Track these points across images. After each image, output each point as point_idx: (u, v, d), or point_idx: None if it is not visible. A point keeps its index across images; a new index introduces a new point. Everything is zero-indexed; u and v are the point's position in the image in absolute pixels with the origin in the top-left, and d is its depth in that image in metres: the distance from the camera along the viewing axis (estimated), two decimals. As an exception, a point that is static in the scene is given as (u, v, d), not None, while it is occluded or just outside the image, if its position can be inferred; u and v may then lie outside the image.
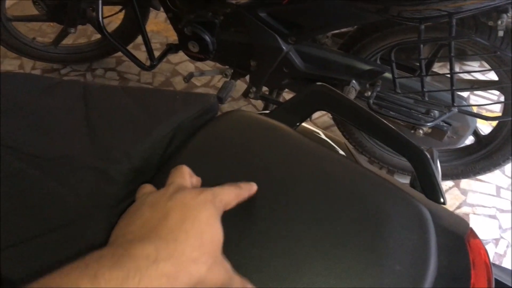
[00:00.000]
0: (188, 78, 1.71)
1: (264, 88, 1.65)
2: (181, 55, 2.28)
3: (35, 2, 1.80)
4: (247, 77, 1.63)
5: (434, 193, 0.56)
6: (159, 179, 0.58)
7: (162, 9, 1.71)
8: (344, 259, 0.44)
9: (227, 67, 1.68)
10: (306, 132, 0.62)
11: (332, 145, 0.58)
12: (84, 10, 1.83)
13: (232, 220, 0.44)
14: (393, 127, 0.61)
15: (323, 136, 0.61)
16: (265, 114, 0.64)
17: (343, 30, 1.58)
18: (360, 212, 0.47)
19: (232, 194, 0.44)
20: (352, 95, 1.36)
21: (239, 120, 0.60)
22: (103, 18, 1.56)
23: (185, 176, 0.46)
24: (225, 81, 1.65)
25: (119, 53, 2.22)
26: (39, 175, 0.57)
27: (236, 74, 1.68)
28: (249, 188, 0.48)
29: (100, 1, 1.52)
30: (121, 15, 1.99)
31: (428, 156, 0.57)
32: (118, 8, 1.95)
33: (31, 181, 0.57)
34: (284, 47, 1.44)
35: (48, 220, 0.54)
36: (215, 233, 0.38)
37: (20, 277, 0.51)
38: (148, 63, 1.76)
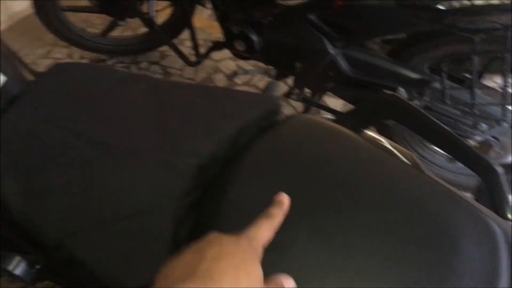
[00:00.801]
0: (232, 76, 1.73)
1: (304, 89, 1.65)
2: (223, 52, 2.30)
3: (88, -6, 1.86)
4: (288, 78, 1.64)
5: (503, 210, 0.56)
6: (224, 176, 0.59)
7: (206, 6, 1.74)
8: (413, 271, 0.44)
9: (271, 67, 1.69)
10: (370, 140, 0.62)
11: (398, 155, 0.58)
12: (135, 3, 1.87)
13: (296, 225, 0.45)
14: (464, 142, 0.60)
15: (387, 145, 0.61)
16: (331, 120, 0.64)
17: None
18: (430, 225, 0.47)
19: (267, 231, 0.46)
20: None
21: (305, 125, 0.61)
22: (155, 13, 1.59)
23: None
24: (269, 81, 1.66)
25: (163, 48, 2.26)
26: (112, 164, 0.59)
27: (279, 75, 1.68)
28: (282, 211, 0.49)
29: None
30: (167, 11, 2.03)
31: (500, 172, 0.57)
32: (165, 3, 1.99)
33: (105, 170, 0.59)
34: (331, 51, 1.43)
35: (120, 208, 0.56)
36: (252, 273, 0.40)
37: (91, 260, 0.54)
38: (193, 58, 1.79)
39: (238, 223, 0.51)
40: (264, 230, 0.46)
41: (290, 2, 1.43)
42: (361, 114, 0.64)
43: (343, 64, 1.45)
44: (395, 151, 0.59)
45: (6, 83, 0.69)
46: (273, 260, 0.46)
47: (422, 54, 1.41)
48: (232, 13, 1.62)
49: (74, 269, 0.59)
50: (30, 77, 0.75)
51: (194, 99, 0.66)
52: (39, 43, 2.27)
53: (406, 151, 0.61)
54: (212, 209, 0.56)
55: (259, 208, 0.51)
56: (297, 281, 0.44)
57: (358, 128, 0.61)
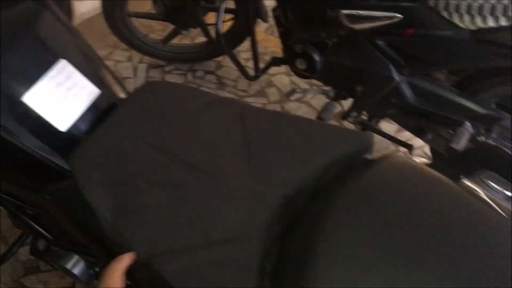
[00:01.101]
0: (289, 94, 1.73)
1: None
2: (277, 67, 2.31)
3: (155, 2, 1.90)
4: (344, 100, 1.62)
5: None
6: (311, 210, 0.59)
7: (264, 21, 1.75)
8: None
9: (329, 88, 1.68)
10: (467, 189, 0.60)
11: (495, 208, 0.56)
12: (199, 14, 1.91)
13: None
14: None
15: (485, 197, 0.59)
16: (427, 164, 0.62)
17: (459, 67, 1.53)
18: None
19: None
20: (465, 138, 1.31)
21: (401, 167, 0.59)
22: (222, 25, 1.61)
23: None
24: (327, 102, 1.65)
25: (219, 58, 2.30)
26: (201, 187, 0.60)
27: (338, 96, 1.67)
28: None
29: (222, 9, 1.57)
30: (228, 23, 2.06)
31: None
32: (227, 16, 2.02)
33: (194, 192, 0.60)
34: (396, 77, 1.41)
35: (209, 233, 0.57)
36: None
37: (177, 283, 0.54)
38: (251, 72, 1.80)
39: (324, 261, 0.51)
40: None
41: (358, 26, 1.42)
42: (459, 161, 0.62)
43: (407, 92, 1.43)
44: (493, 204, 0.57)
45: (99, 96, 0.71)
46: None
47: (491, 89, 1.37)
48: (296, 31, 1.62)
49: (156, 285, 0.60)
50: (122, 92, 0.77)
51: (283, 128, 0.66)
52: (101, 44, 2.34)
53: (504, 204, 0.58)
54: (297, 244, 0.56)
55: (345, 248, 0.51)
56: None
57: (455, 176, 0.59)
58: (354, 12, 1.37)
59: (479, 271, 0.47)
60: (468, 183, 0.61)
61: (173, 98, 0.72)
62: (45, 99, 0.66)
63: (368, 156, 0.64)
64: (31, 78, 0.65)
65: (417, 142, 1.92)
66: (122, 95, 0.77)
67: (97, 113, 0.71)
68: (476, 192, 0.58)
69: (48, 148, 0.67)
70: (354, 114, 1.61)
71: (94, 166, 0.64)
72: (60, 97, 0.67)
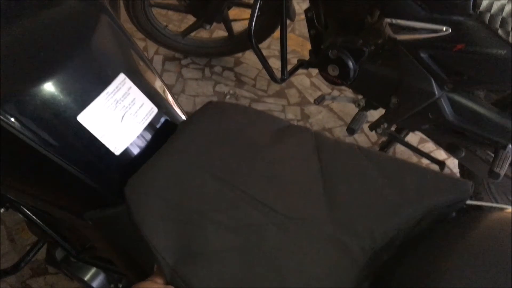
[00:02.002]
0: (319, 100, 1.65)
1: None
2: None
3: (179, -7, 1.81)
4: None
5: None
6: (405, 269, 0.52)
7: (291, 20, 1.66)
8: None
9: (360, 96, 1.61)
10: None
11: None
12: (222, 10, 1.82)
13: None
14: None
15: None
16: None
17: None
18: None
19: None
20: (507, 162, 1.25)
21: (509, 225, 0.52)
22: (254, 24, 1.53)
23: None
24: (358, 112, 1.58)
25: (239, 54, 2.21)
26: (279, 234, 0.53)
27: (368, 106, 1.60)
28: None
29: (256, 7, 1.49)
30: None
31: None
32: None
33: (271, 240, 0.53)
34: (436, 92, 1.34)
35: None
36: None
37: None
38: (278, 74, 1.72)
39: None
40: None
41: (402, 37, 1.34)
42: None
43: (446, 108, 1.36)
44: None
45: (156, 115, 0.63)
46: None
47: (533, 111, 1.31)
48: (329, 35, 1.54)
49: None
50: (179, 112, 0.69)
51: (368, 169, 0.58)
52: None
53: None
54: None
55: None
56: None
57: None
58: (399, 21, 1.30)
59: None
60: None
61: (239, 122, 0.64)
62: (101, 118, 0.58)
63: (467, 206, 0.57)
64: (88, 95, 0.56)
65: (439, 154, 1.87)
66: (180, 114, 0.69)
67: (154, 135, 0.63)
68: None
69: (98, 172, 0.59)
70: (385, 125, 1.54)
71: (153, 198, 0.56)
72: (118, 116, 0.58)
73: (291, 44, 2.35)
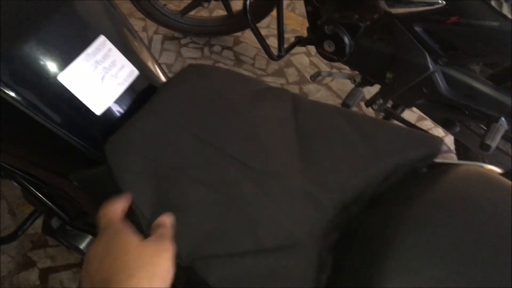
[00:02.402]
0: (314, 77, 1.66)
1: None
2: (297, 47, 2.23)
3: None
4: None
5: None
6: (372, 221, 0.53)
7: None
8: None
9: (356, 72, 1.61)
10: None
11: None
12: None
13: None
14: None
15: None
16: (502, 174, 0.56)
17: (496, 60, 1.46)
18: None
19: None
20: (499, 134, 1.25)
21: (479, 179, 0.53)
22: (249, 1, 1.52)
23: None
24: (354, 88, 1.58)
25: (238, 34, 2.21)
26: (253, 188, 0.54)
27: (364, 82, 1.60)
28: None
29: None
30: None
31: None
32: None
33: (245, 192, 0.54)
34: (431, 67, 1.34)
35: (260, 239, 0.51)
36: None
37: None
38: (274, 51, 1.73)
39: (392, 282, 0.45)
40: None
41: (397, 10, 1.34)
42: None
43: (441, 82, 1.36)
44: None
45: (138, 78, 0.65)
46: None
47: (528, 85, 1.30)
48: (326, 11, 1.54)
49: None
50: (161, 75, 0.70)
51: (343, 127, 0.60)
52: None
53: None
54: (358, 258, 0.50)
55: (422, 275, 0.45)
56: None
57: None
58: (394, -6, 1.29)
59: None
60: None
61: (219, 84, 0.65)
62: (81, 79, 0.59)
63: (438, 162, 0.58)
64: (68, 55, 0.58)
65: (437, 132, 1.87)
66: (161, 77, 0.70)
67: (136, 97, 0.65)
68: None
69: (80, 132, 0.61)
70: (380, 101, 1.55)
71: (133, 156, 0.58)
72: (98, 77, 0.60)
73: (290, 23, 2.35)
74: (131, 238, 0.47)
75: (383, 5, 1.36)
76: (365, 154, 0.57)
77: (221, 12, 2.15)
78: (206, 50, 2.15)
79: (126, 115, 0.63)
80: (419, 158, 0.57)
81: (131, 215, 0.55)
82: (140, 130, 0.60)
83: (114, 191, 0.59)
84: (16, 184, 0.96)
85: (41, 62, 0.56)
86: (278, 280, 0.49)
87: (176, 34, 2.18)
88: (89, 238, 1.05)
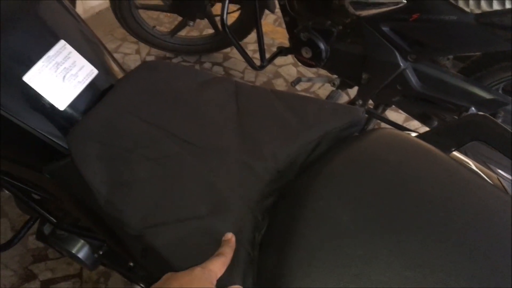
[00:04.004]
0: (295, 82, 1.73)
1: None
2: (285, 58, 2.31)
3: (162, -7, 1.92)
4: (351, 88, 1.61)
5: None
6: (300, 182, 0.59)
7: (274, 12, 1.74)
8: None
9: (335, 76, 1.68)
10: (456, 160, 0.60)
11: (485, 178, 0.56)
12: (205, 5, 1.92)
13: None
14: None
15: (474, 168, 0.58)
16: (416, 136, 0.62)
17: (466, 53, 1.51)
18: None
19: (219, 266, 0.51)
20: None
21: (389, 139, 0.60)
22: (227, 16, 1.61)
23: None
24: (332, 91, 1.64)
25: (227, 49, 2.30)
26: (194, 161, 0.61)
27: (343, 85, 1.67)
28: (231, 249, 0.53)
29: (227, 1, 1.58)
30: (235, 14, 2.06)
31: None
32: (233, 7, 2.02)
33: (187, 167, 0.61)
34: (401, 64, 1.40)
35: (200, 206, 0.57)
36: None
37: (167, 253, 0.55)
38: (257, 63, 1.80)
39: (312, 231, 0.51)
40: (217, 265, 0.51)
41: (363, 13, 1.41)
42: (448, 133, 0.62)
43: (412, 78, 1.42)
44: (482, 174, 0.56)
45: (97, 76, 0.72)
46: (354, 272, 0.46)
47: (497, 75, 1.35)
48: (301, 19, 1.62)
49: (148, 257, 0.61)
50: (119, 73, 0.78)
51: (276, 105, 0.66)
52: (110, 37, 2.36)
53: (493, 174, 0.58)
54: (284, 214, 0.56)
55: (329, 215, 0.51)
56: None
57: (444, 148, 0.59)
58: (358, -2, 1.37)
59: (465, 238, 0.47)
60: (458, 154, 0.60)
61: (170, 77, 0.73)
62: (45, 78, 0.67)
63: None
64: (31, 58, 0.66)
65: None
66: (119, 75, 0.78)
67: (96, 93, 0.72)
68: (465, 163, 0.58)
69: (47, 126, 0.68)
70: (360, 102, 1.61)
71: (90, 143, 0.65)
72: (59, 76, 0.68)
73: (278, 37, 2.44)
74: None
75: (351, 9, 1.43)
76: (295, 126, 0.63)
77: (211, 31, 2.25)
78: (197, 67, 2.24)
79: (86, 109, 0.70)
80: (344, 127, 0.63)
81: (90, 193, 0.62)
82: (97, 120, 0.67)
83: (79, 180, 0.66)
84: (6, 191, 1.03)
85: (6, 65, 0.64)
86: (216, 239, 0.55)
87: (168, 54, 2.28)
88: (80, 243, 1.11)
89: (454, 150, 0.60)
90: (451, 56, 1.47)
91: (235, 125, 0.65)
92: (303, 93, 2.12)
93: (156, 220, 0.58)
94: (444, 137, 0.60)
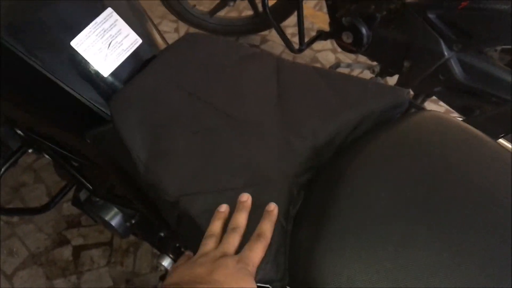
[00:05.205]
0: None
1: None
2: (323, 44, 2.28)
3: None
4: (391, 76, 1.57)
5: None
6: (339, 161, 0.58)
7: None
8: None
9: (375, 63, 1.64)
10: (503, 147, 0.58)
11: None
12: (246, -15, 1.90)
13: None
14: None
15: None
16: (464, 120, 0.60)
17: (515, 46, 1.45)
18: None
19: (259, 252, 0.51)
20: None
21: (434, 120, 0.58)
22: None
23: (237, 241, 0.53)
24: (371, 78, 1.61)
25: (265, 32, 2.29)
26: (233, 134, 0.61)
27: (383, 72, 1.63)
28: (272, 224, 0.53)
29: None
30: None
31: None
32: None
33: (226, 139, 0.61)
34: (446, 53, 1.36)
35: (238, 178, 0.57)
36: None
37: (201, 221, 0.56)
38: (296, 46, 1.79)
39: (349, 208, 0.51)
40: (257, 252, 0.51)
41: (409, -1, 1.37)
42: (497, 121, 0.59)
43: (456, 69, 1.37)
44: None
45: (141, 46, 0.73)
46: (391, 250, 0.45)
47: (548, 70, 1.29)
48: (344, 4, 1.59)
49: (183, 225, 0.62)
50: (162, 44, 0.79)
51: (318, 82, 0.66)
52: (150, 14, 2.38)
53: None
54: (321, 190, 0.56)
55: (369, 197, 0.50)
56: (410, 275, 0.43)
57: (492, 134, 0.57)
58: (406, -17, 1.33)
59: (508, 228, 0.45)
60: (506, 143, 0.58)
61: (212, 50, 0.73)
62: (91, 44, 0.68)
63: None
64: (79, 24, 0.67)
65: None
66: (162, 46, 0.79)
67: (139, 63, 0.73)
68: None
69: (90, 92, 0.70)
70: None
71: (132, 109, 0.66)
72: (105, 43, 0.69)
73: (318, 22, 2.40)
74: None
75: (397, -6, 1.39)
76: (336, 105, 0.62)
77: (250, 12, 2.23)
78: (234, 48, 2.24)
79: (129, 78, 0.71)
80: (387, 108, 0.61)
81: (129, 159, 0.63)
82: (139, 88, 0.68)
83: (120, 146, 0.67)
84: (46, 156, 1.06)
85: (56, 30, 0.65)
86: (252, 209, 0.55)
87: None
88: (113, 211, 1.14)
89: (502, 137, 0.57)
90: (498, 48, 1.41)
91: (276, 101, 0.65)
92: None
93: (193, 188, 0.58)
94: (492, 123, 0.58)
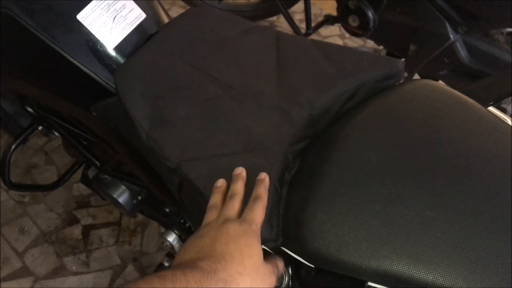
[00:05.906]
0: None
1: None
2: (331, 29, 2.28)
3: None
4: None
5: None
6: (334, 130, 0.60)
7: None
8: None
9: (381, 47, 1.65)
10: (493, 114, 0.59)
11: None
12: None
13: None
14: None
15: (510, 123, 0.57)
16: (455, 88, 0.62)
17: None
18: None
19: (260, 212, 0.52)
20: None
21: (426, 88, 0.60)
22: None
23: (237, 206, 0.54)
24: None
25: (273, 18, 2.29)
26: (233, 104, 0.63)
27: (389, 56, 1.63)
28: (266, 188, 0.54)
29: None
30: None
31: None
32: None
33: (225, 108, 0.63)
34: (451, 36, 1.36)
35: (236, 144, 0.59)
36: (254, 253, 0.49)
37: (201, 184, 0.58)
38: (303, 31, 1.79)
39: (339, 170, 0.52)
40: (258, 212, 0.52)
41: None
42: (487, 88, 0.61)
43: (462, 51, 1.37)
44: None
45: (145, 20, 0.75)
46: (378, 208, 0.47)
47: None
48: (351, -13, 1.59)
49: (184, 191, 0.64)
50: (166, 19, 0.81)
51: (316, 54, 0.67)
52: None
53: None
54: (315, 155, 0.58)
55: (360, 159, 0.52)
56: (402, 241, 0.45)
57: (482, 101, 0.58)
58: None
59: (494, 188, 0.47)
60: (494, 110, 0.60)
61: (214, 23, 0.75)
62: (96, 18, 0.70)
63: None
64: None
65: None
66: (165, 20, 0.81)
67: (142, 36, 0.75)
68: (503, 119, 0.57)
69: (95, 65, 0.72)
70: (405, 74, 1.57)
71: (136, 81, 0.68)
72: (110, 17, 0.71)
73: (326, 8, 2.40)
74: (258, 249, 0.50)
75: (403, -24, 1.39)
76: (333, 75, 0.64)
77: (258, -2, 2.24)
78: (242, 34, 2.25)
79: (133, 51, 0.73)
80: (382, 78, 0.63)
81: (133, 131, 0.65)
82: (143, 60, 0.70)
83: (124, 118, 0.69)
84: (56, 133, 1.09)
85: (62, 4, 0.68)
86: (248, 174, 0.57)
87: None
88: (121, 188, 1.17)
89: (492, 104, 0.59)
90: (505, 31, 1.41)
91: (274, 72, 0.67)
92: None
93: (193, 154, 0.60)
94: (482, 90, 0.60)
